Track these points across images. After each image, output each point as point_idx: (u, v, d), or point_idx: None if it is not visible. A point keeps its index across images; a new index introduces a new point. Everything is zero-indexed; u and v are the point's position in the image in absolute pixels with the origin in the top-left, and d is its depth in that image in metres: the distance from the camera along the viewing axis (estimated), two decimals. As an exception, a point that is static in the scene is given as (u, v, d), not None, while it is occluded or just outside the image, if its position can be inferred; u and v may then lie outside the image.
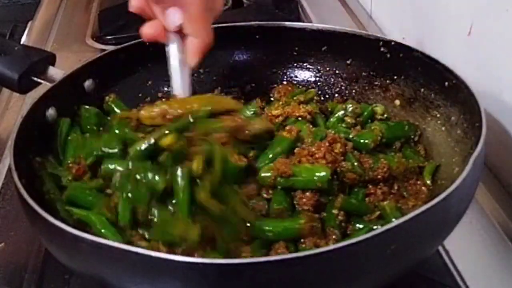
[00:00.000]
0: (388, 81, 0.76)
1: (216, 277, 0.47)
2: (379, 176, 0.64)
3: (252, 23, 0.82)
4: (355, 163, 0.64)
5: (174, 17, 0.67)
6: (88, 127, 0.71)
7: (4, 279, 0.67)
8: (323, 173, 0.61)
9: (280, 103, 0.76)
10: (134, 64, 0.80)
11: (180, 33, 0.69)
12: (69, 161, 0.67)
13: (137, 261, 0.48)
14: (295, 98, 0.76)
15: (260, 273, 0.47)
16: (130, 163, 0.59)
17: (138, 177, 0.58)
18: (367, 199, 0.63)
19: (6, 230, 0.74)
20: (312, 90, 0.79)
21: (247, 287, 0.49)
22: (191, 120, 0.63)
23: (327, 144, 0.64)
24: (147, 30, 0.70)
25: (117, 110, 0.75)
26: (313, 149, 0.64)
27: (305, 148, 0.64)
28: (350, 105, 0.73)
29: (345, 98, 0.79)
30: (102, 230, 0.58)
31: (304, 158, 0.63)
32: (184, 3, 0.66)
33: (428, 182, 0.65)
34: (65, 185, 0.64)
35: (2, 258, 0.70)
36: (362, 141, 0.68)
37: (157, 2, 0.67)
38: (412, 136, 0.71)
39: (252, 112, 0.72)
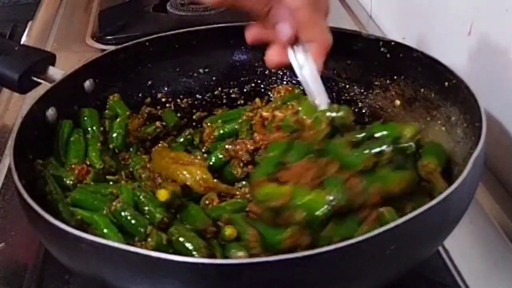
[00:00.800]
0: (388, 81, 0.76)
1: (216, 277, 0.47)
2: (369, 203, 0.56)
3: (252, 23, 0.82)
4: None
5: (283, 30, 0.66)
6: (89, 129, 0.72)
7: (4, 279, 0.67)
8: (322, 208, 0.55)
9: (273, 105, 0.75)
10: (134, 64, 0.80)
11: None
12: (71, 162, 0.67)
13: (137, 261, 0.48)
14: (288, 103, 0.74)
15: (260, 273, 0.47)
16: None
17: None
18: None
19: (6, 230, 0.74)
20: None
21: (247, 287, 0.49)
22: None
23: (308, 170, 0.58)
24: (273, 58, 0.69)
25: (119, 111, 0.75)
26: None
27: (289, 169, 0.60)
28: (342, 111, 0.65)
29: (344, 98, 0.79)
30: (105, 230, 0.58)
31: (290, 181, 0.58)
32: (291, 14, 0.65)
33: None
34: (67, 186, 0.65)
35: (2, 258, 0.70)
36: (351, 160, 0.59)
37: (265, 23, 0.67)
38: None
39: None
